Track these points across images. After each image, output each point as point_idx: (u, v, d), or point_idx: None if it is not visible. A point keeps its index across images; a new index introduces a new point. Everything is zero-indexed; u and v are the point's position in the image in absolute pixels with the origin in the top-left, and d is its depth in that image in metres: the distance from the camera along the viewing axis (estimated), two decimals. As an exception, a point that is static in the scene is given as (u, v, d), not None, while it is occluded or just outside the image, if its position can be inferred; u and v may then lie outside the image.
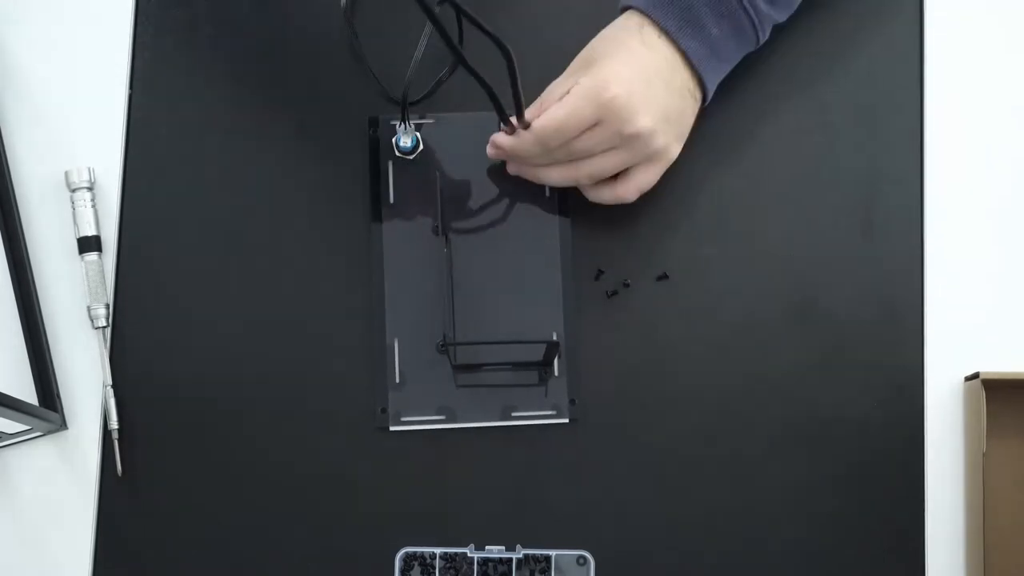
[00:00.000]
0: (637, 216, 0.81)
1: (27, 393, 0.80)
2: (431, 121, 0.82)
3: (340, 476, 0.79)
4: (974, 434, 0.78)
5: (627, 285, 0.80)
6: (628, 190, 0.78)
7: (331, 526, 0.79)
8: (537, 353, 0.77)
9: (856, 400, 0.79)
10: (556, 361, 0.79)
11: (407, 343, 0.79)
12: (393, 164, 0.81)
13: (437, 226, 0.79)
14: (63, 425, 0.80)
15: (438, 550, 0.78)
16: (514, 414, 0.79)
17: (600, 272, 0.81)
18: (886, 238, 0.81)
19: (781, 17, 0.78)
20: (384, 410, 0.79)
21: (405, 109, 0.78)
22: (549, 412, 0.79)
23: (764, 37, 0.78)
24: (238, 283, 0.81)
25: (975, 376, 0.77)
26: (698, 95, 0.78)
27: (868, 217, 0.81)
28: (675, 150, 0.78)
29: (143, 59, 0.84)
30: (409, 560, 0.78)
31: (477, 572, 0.78)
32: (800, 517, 0.78)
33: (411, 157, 0.81)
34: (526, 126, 0.75)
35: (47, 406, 0.79)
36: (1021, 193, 0.82)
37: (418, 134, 0.81)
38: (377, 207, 0.81)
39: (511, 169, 0.80)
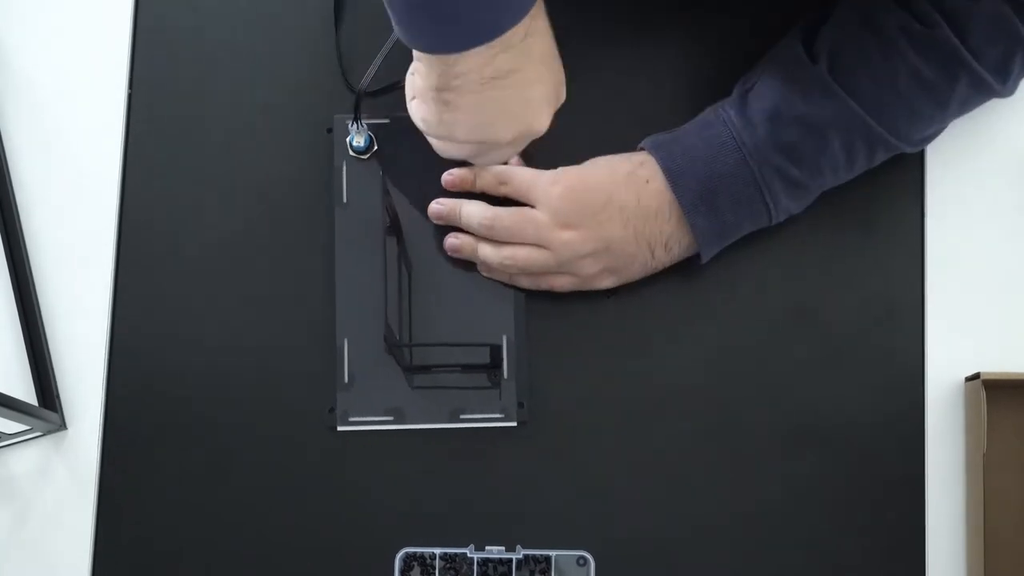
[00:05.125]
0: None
1: (27, 393, 0.80)
2: (386, 121, 0.81)
3: (339, 477, 0.79)
4: (974, 434, 0.78)
5: (615, 293, 0.80)
6: (539, 284, 0.79)
7: (331, 526, 0.79)
8: (485, 356, 0.78)
9: (856, 400, 0.79)
10: (505, 364, 0.79)
11: (357, 343, 0.79)
12: (347, 164, 0.81)
13: (388, 226, 0.79)
14: (63, 425, 0.80)
15: (438, 550, 0.78)
16: (463, 416, 0.79)
17: (600, 272, 0.81)
18: (886, 238, 0.81)
19: (799, 210, 0.77)
20: (332, 410, 0.79)
21: (358, 109, 0.78)
22: (497, 415, 0.79)
23: (777, 221, 0.77)
24: (231, 283, 0.81)
25: (975, 376, 0.77)
26: (664, 254, 0.77)
27: (868, 217, 0.81)
28: (602, 283, 0.78)
29: (143, 59, 0.84)
30: (409, 560, 0.78)
31: (477, 572, 0.78)
32: (800, 517, 0.78)
33: (365, 157, 0.81)
34: None
35: (47, 406, 0.79)
36: (1021, 193, 0.82)
37: (371, 134, 0.80)
38: (331, 206, 0.81)
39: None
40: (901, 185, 0.82)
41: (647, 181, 0.75)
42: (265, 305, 0.81)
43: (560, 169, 0.77)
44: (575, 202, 0.75)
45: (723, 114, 0.75)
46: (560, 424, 0.79)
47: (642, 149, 0.77)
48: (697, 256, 0.77)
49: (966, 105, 0.76)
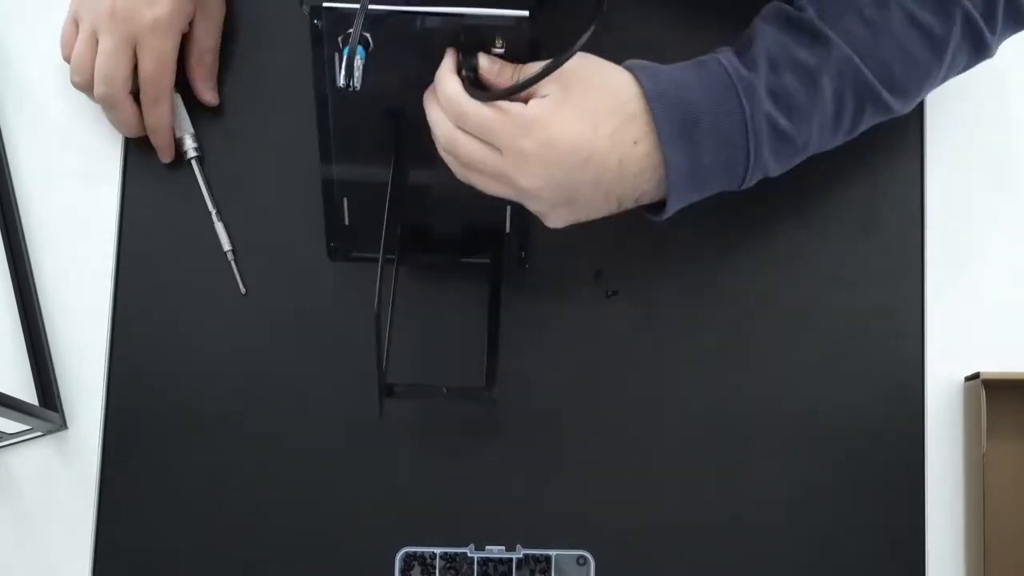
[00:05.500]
0: (636, 216, 0.81)
1: (27, 393, 0.80)
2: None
3: (339, 476, 0.79)
4: (974, 434, 0.78)
5: (615, 293, 0.80)
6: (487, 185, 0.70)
7: (331, 526, 0.79)
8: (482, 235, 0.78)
9: (856, 400, 0.79)
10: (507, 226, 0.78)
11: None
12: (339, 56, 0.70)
13: (386, 110, 0.73)
14: (63, 425, 0.80)
15: (438, 550, 0.78)
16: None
17: (599, 272, 0.81)
18: (886, 238, 0.81)
19: (775, 171, 0.72)
20: (332, 245, 0.78)
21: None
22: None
23: (748, 184, 0.71)
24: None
25: (975, 376, 0.77)
26: (633, 205, 0.71)
27: (868, 217, 0.81)
28: (552, 221, 0.71)
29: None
30: (409, 560, 0.78)
31: (477, 572, 0.78)
32: (800, 517, 0.78)
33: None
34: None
35: (47, 406, 0.79)
36: (1022, 192, 0.82)
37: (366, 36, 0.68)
38: (322, 96, 0.72)
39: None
40: (901, 185, 0.82)
41: (635, 142, 0.67)
42: (265, 305, 0.81)
43: (533, 108, 0.67)
44: (546, 162, 0.67)
45: (719, 57, 0.70)
46: (560, 423, 0.79)
47: (629, 72, 0.69)
48: (660, 210, 0.71)
49: (957, 58, 0.73)
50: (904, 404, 0.79)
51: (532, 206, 0.70)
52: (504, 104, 0.67)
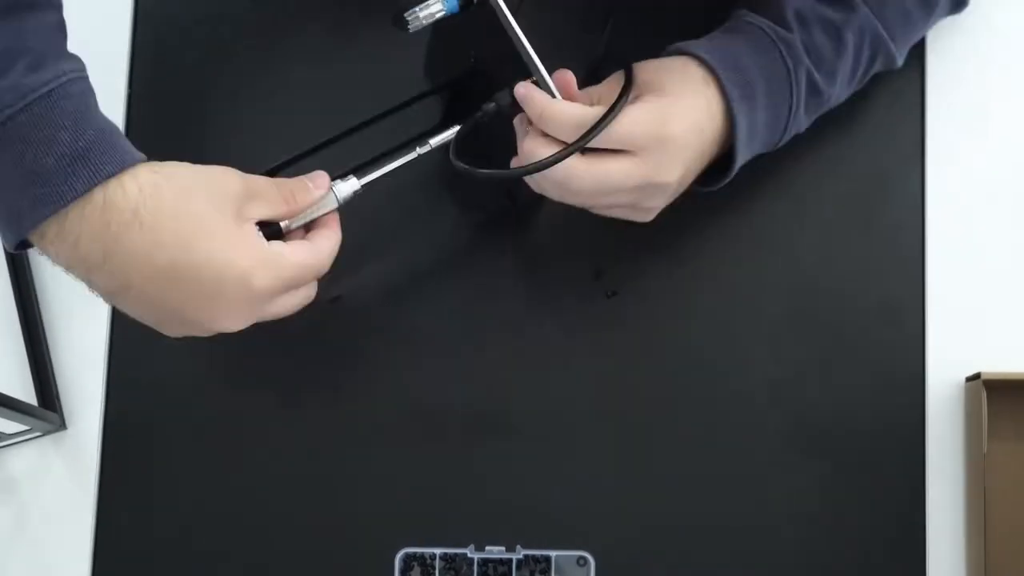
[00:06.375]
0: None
1: (27, 393, 0.80)
2: None
3: (339, 476, 0.79)
4: (975, 435, 0.78)
5: (615, 294, 0.80)
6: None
7: (331, 527, 0.79)
8: None
9: (856, 400, 0.79)
10: None
11: None
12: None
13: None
14: (63, 425, 0.80)
15: (438, 550, 0.78)
16: None
17: (599, 272, 0.81)
18: (886, 238, 0.81)
19: (802, 128, 0.76)
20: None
21: None
22: None
23: (783, 142, 0.75)
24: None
25: (976, 376, 0.77)
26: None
27: (868, 217, 0.81)
28: (655, 213, 0.73)
29: (143, 59, 0.84)
30: (409, 560, 0.78)
31: (477, 572, 0.78)
32: (800, 517, 0.78)
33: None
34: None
35: (47, 406, 0.79)
36: (1022, 193, 0.82)
37: None
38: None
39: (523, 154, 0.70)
40: (902, 185, 0.82)
41: (713, 113, 0.71)
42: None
43: (649, 106, 0.69)
44: (683, 149, 0.70)
45: (747, 19, 0.73)
46: (560, 424, 0.79)
47: (688, 55, 0.71)
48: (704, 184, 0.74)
49: (938, 12, 0.79)
50: (904, 404, 0.79)
51: (656, 203, 0.71)
52: (639, 103, 0.69)
